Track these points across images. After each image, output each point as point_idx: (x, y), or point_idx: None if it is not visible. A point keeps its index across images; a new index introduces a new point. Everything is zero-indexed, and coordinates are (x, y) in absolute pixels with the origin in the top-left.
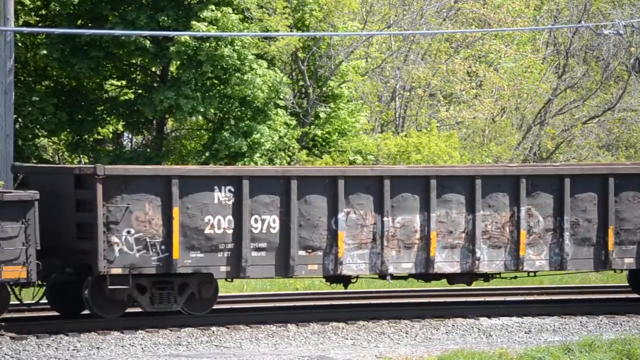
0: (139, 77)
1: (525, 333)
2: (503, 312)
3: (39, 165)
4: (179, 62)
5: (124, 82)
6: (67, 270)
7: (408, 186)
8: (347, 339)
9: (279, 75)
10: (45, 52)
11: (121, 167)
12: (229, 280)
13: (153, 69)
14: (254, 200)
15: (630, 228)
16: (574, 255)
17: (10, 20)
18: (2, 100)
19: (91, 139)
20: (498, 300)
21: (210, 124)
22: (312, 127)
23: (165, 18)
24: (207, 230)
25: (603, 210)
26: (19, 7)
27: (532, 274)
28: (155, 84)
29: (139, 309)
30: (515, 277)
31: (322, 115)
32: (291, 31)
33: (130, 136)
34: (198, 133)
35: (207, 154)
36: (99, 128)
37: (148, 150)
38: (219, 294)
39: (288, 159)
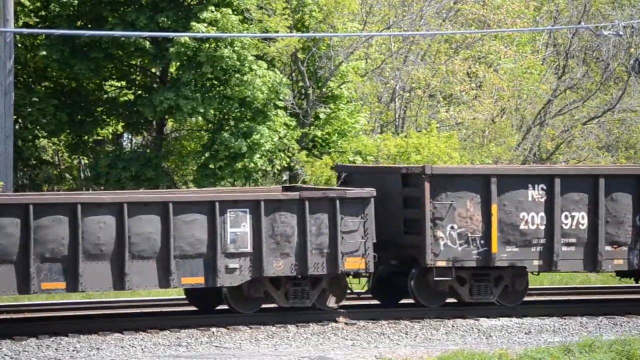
0: (138, 78)
1: (525, 334)
2: (503, 313)
3: (361, 165)
4: (178, 63)
5: (123, 83)
6: (392, 262)
7: None
8: (346, 339)
9: (278, 76)
10: (45, 53)
11: (446, 167)
12: (536, 273)
13: (153, 70)
14: (564, 198)
15: None
16: None
17: (10, 21)
18: (2, 101)
19: (91, 139)
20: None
21: (210, 125)
22: (312, 127)
23: (165, 19)
24: (522, 226)
25: None
26: (18, 8)
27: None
28: (155, 85)
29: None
30: None
31: (321, 116)
32: (291, 32)
33: (130, 137)
34: (198, 134)
35: (206, 154)
36: (99, 129)
37: (148, 151)
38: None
39: (288, 159)
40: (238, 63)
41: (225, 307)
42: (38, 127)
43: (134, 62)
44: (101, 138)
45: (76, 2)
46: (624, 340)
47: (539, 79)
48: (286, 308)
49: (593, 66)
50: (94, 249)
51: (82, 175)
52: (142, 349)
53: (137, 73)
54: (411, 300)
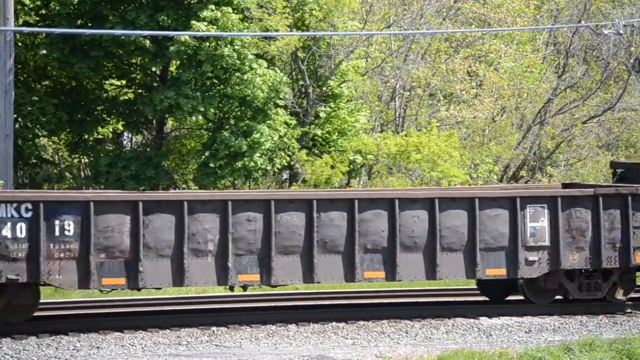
0: (138, 77)
1: (526, 332)
2: (503, 312)
3: (637, 162)
4: (178, 62)
5: (123, 82)
6: None
7: None
8: (347, 338)
9: (278, 75)
10: (45, 51)
11: None
12: None
13: (153, 69)
14: None
15: None
16: None
17: (10, 20)
18: (2, 100)
19: (91, 138)
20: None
21: (210, 124)
22: (312, 126)
23: (165, 18)
24: None
25: None
26: (18, 6)
27: None
28: (155, 84)
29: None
30: None
31: (322, 114)
32: (291, 31)
33: (130, 136)
34: (198, 133)
35: (206, 153)
36: (99, 128)
37: (148, 149)
38: (220, 294)
39: (288, 158)
40: (238, 62)
41: (516, 297)
42: (38, 126)
43: (134, 61)
44: (101, 137)
45: (76, 0)
46: (624, 339)
47: (539, 78)
48: (574, 299)
49: (593, 65)
50: (409, 241)
51: (82, 174)
52: (142, 348)
53: (137, 72)
54: None
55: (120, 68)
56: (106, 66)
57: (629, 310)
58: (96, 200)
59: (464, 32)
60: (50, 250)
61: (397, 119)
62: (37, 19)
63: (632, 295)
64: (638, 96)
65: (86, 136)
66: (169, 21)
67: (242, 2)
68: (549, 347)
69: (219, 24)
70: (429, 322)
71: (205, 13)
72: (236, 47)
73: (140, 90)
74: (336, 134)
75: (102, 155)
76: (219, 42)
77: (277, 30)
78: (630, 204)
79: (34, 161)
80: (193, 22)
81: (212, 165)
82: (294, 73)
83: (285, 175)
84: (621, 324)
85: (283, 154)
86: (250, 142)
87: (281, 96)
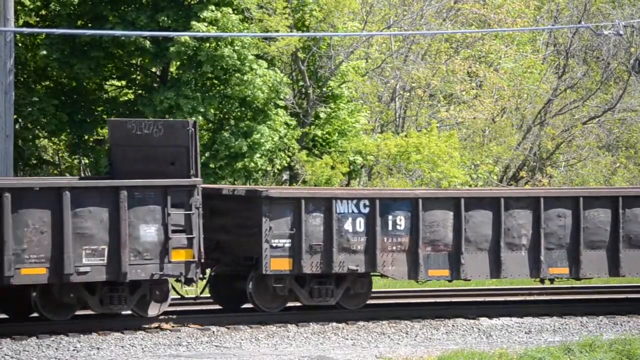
0: (139, 78)
1: (526, 333)
2: (503, 312)
3: None
4: (179, 63)
5: (124, 83)
6: None
7: None
8: (347, 339)
9: (279, 76)
10: (45, 52)
11: None
12: None
13: (153, 69)
14: None
15: None
16: None
17: (10, 20)
18: (2, 101)
19: (91, 139)
20: (498, 300)
21: (210, 124)
22: (312, 127)
23: (165, 18)
24: None
25: None
26: (19, 7)
27: None
28: (155, 85)
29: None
30: None
31: (322, 115)
32: (291, 31)
33: None
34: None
35: (207, 154)
36: (99, 128)
37: None
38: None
39: (288, 159)
40: (238, 62)
41: None
42: (38, 127)
43: (134, 62)
44: (101, 138)
45: (76, 1)
46: (625, 339)
47: (539, 79)
48: None
49: (593, 66)
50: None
51: (83, 175)
52: (142, 349)
53: (138, 72)
54: None
55: (120, 69)
56: (106, 67)
57: None
58: (424, 197)
59: (464, 33)
60: (384, 243)
61: (397, 119)
62: (37, 19)
63: None
64: (638, 97)
65: (86, 137)
66: (169, 22)
67: (242, 2)
68: (549, 348)
69: (219, 24)
70: (429, 322)
71: (205, 14)
72: (236, 47)
73: (140, 91)
74: (336, 134)
75: (102, 156)
76: (219, 42)
77: (277, 31)
78: None
79: (34, 162)
80: (193, 22)
81: (212, 165)
82: (294, 74)
83: (285, 176)
84: (621, 325)
85: (283, 155)
86: (251, 143)
87: (281, 97)
